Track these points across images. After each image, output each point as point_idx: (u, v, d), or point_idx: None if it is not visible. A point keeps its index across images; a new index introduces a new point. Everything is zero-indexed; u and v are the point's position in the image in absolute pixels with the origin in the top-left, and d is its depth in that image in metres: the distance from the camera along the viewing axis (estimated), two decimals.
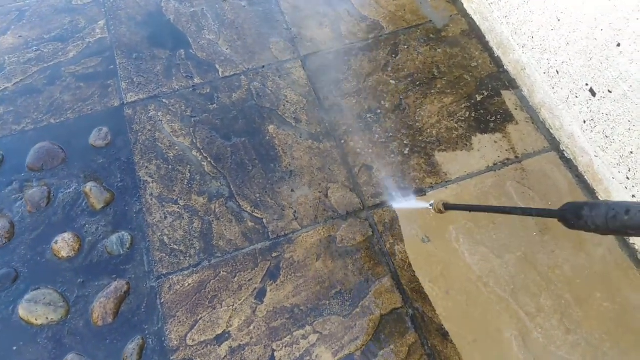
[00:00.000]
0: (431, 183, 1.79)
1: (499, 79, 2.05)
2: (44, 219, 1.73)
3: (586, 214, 0.86)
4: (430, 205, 1.48)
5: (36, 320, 1.54)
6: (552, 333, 1.49)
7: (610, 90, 1.53)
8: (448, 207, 1.42)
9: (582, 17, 1.57)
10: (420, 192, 1.77)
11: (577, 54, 1.64)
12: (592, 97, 1.62)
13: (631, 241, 1.63)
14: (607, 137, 1.61)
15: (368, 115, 1.96)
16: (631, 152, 1.53)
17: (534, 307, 1.54)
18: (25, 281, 1.62)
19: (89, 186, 1.78)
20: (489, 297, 1.56)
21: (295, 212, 1.74)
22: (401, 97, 2.00)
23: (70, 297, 1.59)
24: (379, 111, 1.97)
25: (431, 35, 2.20)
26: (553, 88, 1.81)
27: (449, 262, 1.62)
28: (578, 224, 0.89)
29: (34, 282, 1.62)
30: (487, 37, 2.16)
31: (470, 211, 1.49)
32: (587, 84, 1.63)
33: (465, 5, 2.27)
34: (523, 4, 1.85)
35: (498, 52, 2.10)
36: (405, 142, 1.89)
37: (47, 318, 1.54)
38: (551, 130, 1.89)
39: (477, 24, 2.21)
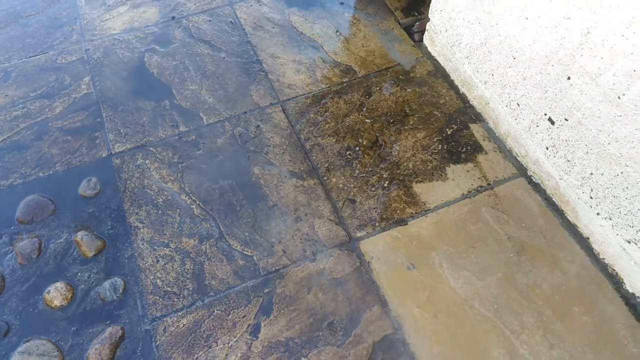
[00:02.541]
0: (411, 213, 1.89)
1: (466, 113, 2.21)
2: (35, 269, 1.75)
3: None
4: None
5: None
6: (537, 349, 1.57)
7: (567, 118, 1.69)
8: None
9: (534, 54, 1.74)
10: (402, 222, 1.86)
11: (533, 88, 1.80)
12: (552, 125, 1.77)
13: (601, 256, 1.74)
14: (568, 160, 1.75)
15: (347, 153, 2.07)
16: (591, 174, 1.67)
17: (518, 325, 1.61)
18: (17, 333, 1.61)
19: (80, 235, 1.81)
20: (475, 318, 1.63)
21: (284, 247, 1.80)
22: (377, 134, 2.13)
23: (64, 346, 1.59)
24: (357, 148, 2.08)
25: (400, 77, 2.37)
26: (516, 119, 1.96)
27: (435, 287, 1.70)
28: None
29: (26, 334, 1.61)
30: (451, 76, 2.34)
31: None
32: (545, 114, 1.79)
33: (430, 49, 2.46)
34: (481, 46, 2.03)
35: (463, 89, 2.27)
36: (384, 175, 1.99)
37: None
38: (518, 158, 2.03)
39: (442, 64, 2.39)
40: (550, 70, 1.69)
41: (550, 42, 1.65)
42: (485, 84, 2.09)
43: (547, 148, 1.84)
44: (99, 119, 2.19)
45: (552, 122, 1.77)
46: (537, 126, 1.85)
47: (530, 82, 1.81)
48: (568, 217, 1.85)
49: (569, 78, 1.62)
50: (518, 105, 1.93)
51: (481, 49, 2.04)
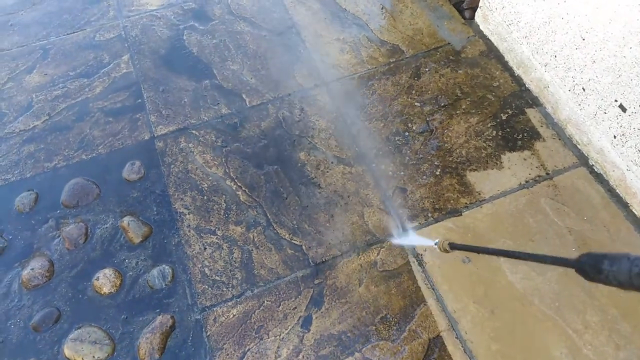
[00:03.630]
0: (466, 203, 1.81)
1: (522, 97, 2.09)
2: (82, 255, 1.73)
3: (606, 269, 0.80)
4: (435, 244, 1.44)
5: (82, 359, 1.52)
6: (602, 350, 1.49)
7: None
8: (454, 246, 1.37)
9: (609, 36, 1.61)
10: (456, 213, 1.78)
11: (604, 71, 1.68)
12: (623, 113, 1.65)
13: None
14: (639, 151, 1.63)
15: (396, 138, 1.98)
16: None
17: (581, 324, 1.54)
18: (68, 320, 1.61)
19: (126, 220, 1.78)
20: (535, 315, 1.56)
21: (333, 237, 1.74)
22: (427, 119, 2.03)
23: (115, 334, 1.58)
24: (406, 133, 2.00)
25: (451, 57, 2.25)
26: (579, 105, 1.84)
27: (492, 281, 1.63)
28: (598, 277, 0.82)
29: (77, 321, 1.61)
30: (506, 57, 2.21)
31: (477, 253, 1.48)
32: (616, 100, 1.66)
33: (482, 27, 2.32)
34: (544, 25, 1.90)
35: (519, 71, 2.15)
36: (436, 163, 1.91)
37: (93, 357, 1.53)
38: (579, 146, 1.91)
39: (495, 44, 2.25)
40: (627, 53, 1.56)
41: (631, 22, 1.52)
42: (545, 66, 1.96)
43: (614, 137, 1.73)
44: (139, 100, 2.14)
45: (624, 109, 1.65)
46: (605, 113, 1.73)
47: (601, 65, 1.68)
48: (634, 210, 1.74)
49: None
50: (583, 90, 1.80)
51: (544, 28, 1.90)
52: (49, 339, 1.57)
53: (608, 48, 1.63)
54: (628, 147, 1.68)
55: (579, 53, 1.77)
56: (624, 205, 1.77)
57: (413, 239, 1.71)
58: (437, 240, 1.44)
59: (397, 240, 1.70)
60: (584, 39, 1.72)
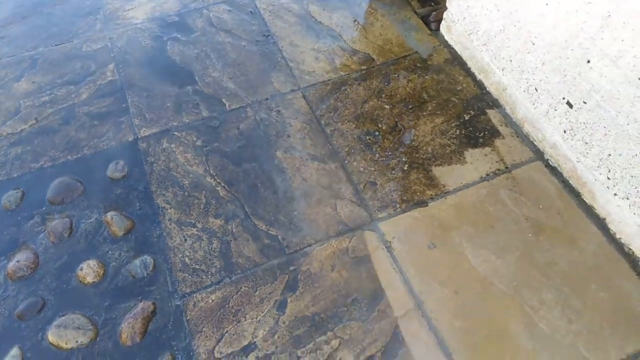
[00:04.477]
0: (431, 195, 1.93)
1: (483, 99, 2.25)
2: (67, 248, 1.81)
3: None
4: None
5: (66, 344, 1.59)
6: (556, 324, 1.61)
7: (585, 101, 1.72)
8: None
9: (553, 39, 1.78)
10: (422, 204, 1.91)
11: (552, 72, 1.84)
12: (570, 109, 1.81)
13: (618, 236, 1.78)
14: (586, 143, 1.79)
15: (367, 137, 2.12)
16: (609, 155, 1.71)
17: (537, 301, 1.66)
18: (52, 308, 1.67)
19: (110, 215, 1.87)
20: (495, 295, 1.67)
21: (307, 227, 1.85)
22: (396, 120, 2.17)
23: (98, 320, 1.65)
24: (377, 133, 2.13)
25: (418, 65, 2.41)
26: (533, 104, 2.00)
27: (455, 265, 1.74)
28: None
29: (61, 309, 1.67)
30: (468, 63, 2.38)
31: None
32: (564, 98, 1.83)
33: (446, 37, 2.50)
34: (500, 32, 2.07)
35: (480, 76, 2.31)
36: (403, 159, 2.04)
37: (76, 341, 1.59)
38: (535, 142, 2.07)
39: (459, 52, 2.43)
40: (570, 54, 1.73)
41: (570, 27, 1.69)
42: (502, 70, 2.13)
43: (564, 131, 1.88)
44: (124, 105, 2.25)
45: (571, 106, 1.81)
46: (555, 110, 1.89)
47: (549, 66, 1.85)
48: (585, 198, 1.89)
49: (588, 61, 1.66)
50: (536, 90, 1.96)
51: (499, 35, 2.08)
52: (33, 327, 1.63)
53: (554, 51, 1.80)
54: (576, 140, 1.84)
55: (530, 57, 1.94)
56: (576, 195, 1.91)
57: None
58: None
59: None
60: (533, 44, 1.89)
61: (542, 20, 1.81)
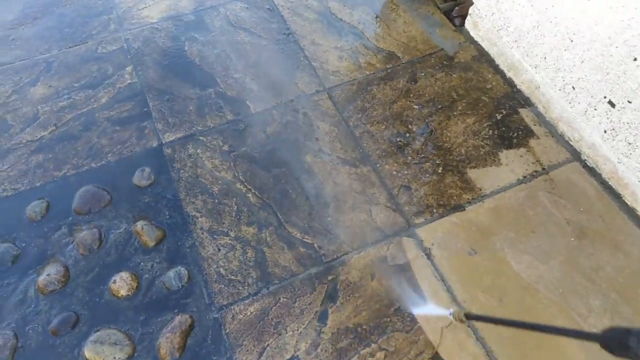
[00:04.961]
0: (468, 198, 1.89)
1: (514, 98, 2.20)
2: (97, 260, 1.75)
3: (634, 345, 0.80)
4: (450, 314, 1.49)
5: None
6: None
7: (630, 100, 1.67)
8: (469, 317, 1.39)
9: (595, 36, 1.73)
10: (459, 208, 1.86)
11: (592, 70, 1.79)
12: (612, 108, 1.76)
13: None
14: (629, 143, 1.74)
15: (398, 139, 2.06)
16: None
17: (585, 308, 1.62)
18: (87, 323, 1.63)
19: (140, 225, 1.82)
20: (542, 302, 1.63)
21: (343, 234, 1.80)
22: (427, 120, 2.12)
23: (134, 335, 1.60)
24: (407, 135, 2.08)
25: (444, 62, 2.35)
26: (570, 103, 1.95)
27: (498, 271, 1.70)
28: (625, 354, 0.83)
29: (95, 324, 1.62)
30: (496, 60, 2.32)
31: (495, 324, 1.52)
32: (605, 97, 1.77)
33: (472, 33, 2.44)
34: (533, 29, 2.01)
35: (509, 74, 2.26)
36: (437, 161, 1.99)
37: (114, 357, 1.55)
38: (571, 142, 2.02)
39: (486, 49, 2.37)
40: (614, 51, 1.67)
41: (615, 23, 1.63)
42: (535, 67, 2.08)
43: (605, 131, 1.83)
44: (145, 109, 2.19)
45: (613, 105, 1.75)
46: (595, 109, 1.84)
47: (589, 64, 1.79)
48: (626, 200, 1.84)
49: (635, 59, 1.60)
50: (573, 88, 1.91)
51: (533, 32, 2.02)
52: (68, 343, 1.59)
53: (595, 48, 1.75)
54: (618, 140, 1.79)
55: (567, 54, 1.88)
56: (616, 196, 1.87)
57: (429, 308, 1.70)
58: (451, 310, 1.50)
59: (415, 310, 1.67)
60: (572, 41, 1.84)
61: (582, 16, 1.75)
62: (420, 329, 1.59)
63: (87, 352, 1.56)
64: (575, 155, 1.99)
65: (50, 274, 1.70)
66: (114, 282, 1.69)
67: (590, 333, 0.92)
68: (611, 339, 0.85)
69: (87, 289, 1.69)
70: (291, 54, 2.39)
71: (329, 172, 1.97)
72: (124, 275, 1.70)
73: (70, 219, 1.86)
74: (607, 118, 1.80)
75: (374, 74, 2.31)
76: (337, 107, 2.18)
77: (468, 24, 2.45)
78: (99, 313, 1.64)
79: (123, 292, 1.67)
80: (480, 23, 2.35)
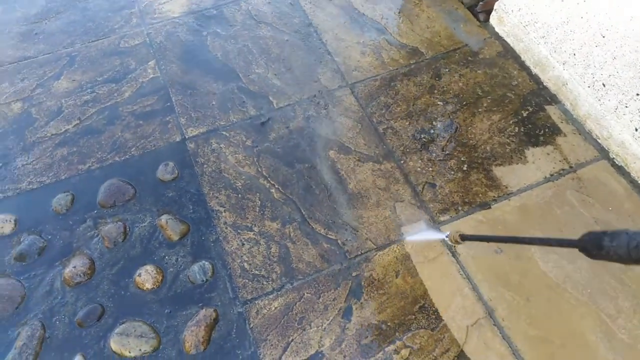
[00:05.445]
0: (494, 196, 1.86)
1: (541, 95, 2.16)
2: (122, 253, 1.76)
3: (607, 245, 0.85)
4: (447, 236, 1.52)
5: (129, 352, 1.55)
6: (636, 333, 1.54)
7: None
8: (464, 237, 1.43)
9: (629, 32, 1.69)
10: (485, 206, 1.84)
11: (625, 67, 1.75)
12: None
13: None
14: None
15: (422, 136, 2.04)
16: None
17: (614, 309, 1.59)
18: (112, 315, 1.64)
19: (164, 219, 1.82)
20: (569, 302, 1.61)
21: (367, 231, 1.79)
22: (451, 117, 2.10)
23: (159, 327, 1.61)
24: (432, 131, 2.06)
25: (469, 58, 2.32)
26: (599, 100, 1.91)
27: (525, 270, 1.68)
28: (599, 254, 0.87)
29: (121, 316, 1.64)
30: (522, 56, 2.28)
31: (487, 242, 1.55)
32: (637, 94, 1.74)
33: (497, 29, 2.40)
34: (562, 24, 1.97)
35: (536, 70, 2.22)
36: (462, 158, 1.97)
37: (140, 350, 1.55)
38: (599, 140, 1.98)
39: (511, 45, 2.33)
40: None
41: None
42: (564, 64, 2.04)
43: (636, 129, 1.80)
44: (168, 103, 2.19)
45: None
46: (626, 107, 1.80)
47: (622, 61, 1.75)
48: None
49: None
50: (603, 85, 1.87)
51: (562, 27, 1.98)
52: (94, 334, 1.60)
53: (629, 44, 1.71)
54: None
55: (599, 50, 1.84)
56: None
57: (424, 234, 1.75)
58: (447, 233, 1.51)
59: (409, 237, 1.72)
60: (604, 37, 1.80)
61: (617, 12, 1.71)
62: (445, 327, 1.58)
63: (112, 344, 1.57)
64: (604, 153, 1.96)
65: (76, 266, 1.71)
66: (139, 275, 1.70)
67: (569, 239, 0.97)
68: (587, 242, 0.90)
69: (112, 282, 1.70)
70: (313, 49, 2.38)
71: (352, 168, 1.96)
72: (149, 268, 1.71)
73: (95, 212, 1.87)
74: (639, 116, 1.76)
75: (397, 70, 2.29)
76: (360, 103, 2.17)
77: (493, 19, 2.42)
78: (125, 305, 1.65)
79: (148, 285, 1.68)
80: (506, 18, 2.31)
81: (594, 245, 0.88)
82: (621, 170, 1.90)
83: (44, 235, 1.81)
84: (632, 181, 1.87)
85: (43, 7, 2.65)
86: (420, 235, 1.74)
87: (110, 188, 1.92)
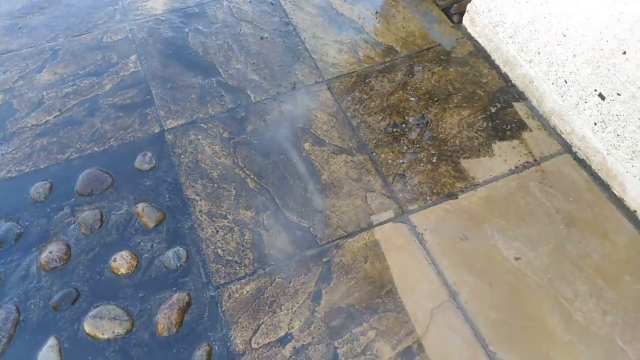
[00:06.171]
0: (461, 187, 1.93)
1: (509, 92, 2.25)
2: (99, 239, 1.80)
3: None
4: None
5: (102, 334, 1.59)
6: (591, 315, 1.62)
7: (619, 93, 1.72)
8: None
9: (587, 31, 1.78)
10: (452, 196, 1.91)
11: (584, 64, 1.84)
12: (602, 101, 1.81)
13: None
14: (618, 135, 1.79)
15: (394, 130, 2.11)
16: None
17: (571, 293, 1.66)
18: (87, 299, 1.67)
19: (140, 206, 1.86)
20: (530, 287, 1.68)
21: (338, 219, 1.85)
22: (423, 112, 2.17)
23: (133, 311, 1.65)
24: (403, 125, 2.13)
25: (442, 57, 2.40)
26: (562, 96, 2.00)
27: (488, 257, 1.75)
28: None
29: (95, 300, 1.67)
30: (492, 56, 2.37)
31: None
32: (595, 90, 1.82)
33: (469, 30, 2.49)
34: (528, 24, 2.06)
35: (505, 69, 2.31)
36: (432, 151, 2.04)
37: (113, 332, 1.59)
38: (562, 135, 2.07)
39: (482, 45, 2.42)
40: (604, 45, 1.72)
41: (606, 18, 1.68)
42: (530, 62, 2.13)
43: (595, 124, 1.88)
44: (148, 96, 2.24)
45: (603, 98, 1.80)
46: (586, 102, 1.89)
47: (581, 58, 1.84)
48: (615, 191, 1.89)
49: (624, 53, 1.65)
50: (565, 82, 1.96)
51: (527, 27, 2.07)
52: (68, 317, 1.63)
53: (587, 42, 1.80)
54: (607, 132, 1.84)
55: (560, 49, 1.93)
56: (605, 187, 1.91)
57: None
58: None
59: None
60: (564, 35, 1.89)
61: (575, 12, 1.80)
62: (410, 310, 1.63)
63: (86, 326, 1.60)
64: (567, 147, 2.04)
65: (52, 251, 1.75)
66: (114, 260, 1.74)
67: None
68: None
69: (87, 267, 1.74)
70: (292, 47, 2.45)
71: (326, 160, 2.02)
72: (124, 254, 1.75)
73: (73, 200, 1.91)
74: (597, 110, 1.85)
75: (372, 67, 2.36)
76: (335, 98, 2.23)
77: (465, 20, 2.51)
78: (99, 290, 1.69)
79: (123, 270, 1.72)
80: (478, 19, 2.40)
81: None
82: (583, 164, 1.99)
83: (22, 222, 1.84)
84: (592, 173, 1.95)
85: (27, 2, 2.69)
86: None
87: (88, 177, 1.96)
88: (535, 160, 2.01)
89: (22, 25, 2.56)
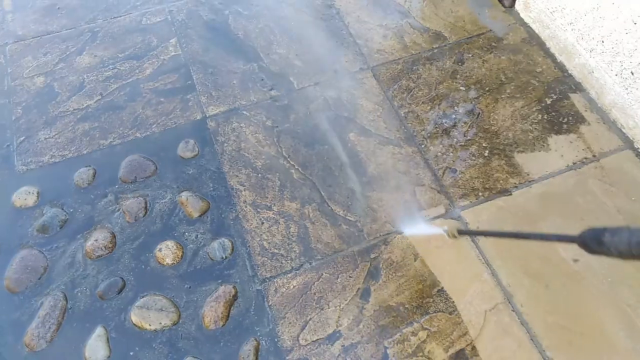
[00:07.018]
0: (515, 183, 1.85)
1: (565, 82, 2.13)
2: (143, 228, 1.78)
3: (607, 240, 0.85)
4: (444, 230, 1.55)
5: (150, 325, 1.57)
6: None
7: None
8: (461, 232, 1.43)
9: None
10: (506, 192, 1.83)
11: None
12: None
13: None
14: None
15: (444, 121, 2.03)
16: None
17: (634, 299, 1.58)
18: (133, 289, 1.66)
19: (185, 195, 1.83)
20: (589, 290, 1.60)
21: (386, 214, 1.79)
22: (473, 103, 2.07)
23: (179, 302, 1.63)
24: (454, 116, 2.04)
25: (493, 44, 2.29)
26: (626, 89, 1.88)
27: (545, 257, 1.67)
28: (599, 250, 0.88)
29: (141, 290, 1.66)
30: (547, 43, 2.25)
31: (485, 236, 1.58)
32: None
33: (522, 15, 2.36)
34: (592, 11, 1.93)
35: (561, 58, 2.18)
36: (484, 144, 1.95)
37: (160, 323, 1.58)
38: (623, 130, 1.95)
39: (537, 31, 2.29)
40: None
41: None
42: (591, 52, 2.00)
43: None
44: (189, 82, 2.19)
45: None
46: None
47: None
48: None
49: None
50: (632, 74, 1.84)
51: (591, 14, 1.94)
52: (115, 307, 1.62)
53: None
54: None
55: (629, 37, 1.81)
56: None
57: (423, 228, 1.74)
58: (445, 228, 1.53)
59: (408, 231, 1.72)
60: (635, 23, 1.76)
61: None
62: (463, 311, 1.58)
63: (133, 316, 1.59)
64: (628, 143, 1.93)
65: (97, 239, 1.74)
66: (160, 250, 1.72)
67: (569, 235, 0.97)
68: (587, 237, 0.90)
69: (133, 256, 1.72)
70: (335, 31, 2.36)
71: (372, 151, 1.95)
72: (169, 244, 1.73)
73: (117, 187, 1.89)
74: None
75: (419, 54, 2.26)
76: (381, 86, 2.15)
77: (519, 5, 2.38)
78: (145, 280, 1.67)
79: (168, 261, 1.70)
80: (532, 4, 2.27)
81: (594, 241, 0.89)
82: None
83: (66, 209, 1.83)
84: None
85: None
86: (418, 229, 1.73)
87: (131, 164, 1.93)
88: (594, 156, 1.90)
89: (61, 6, 2.52)
